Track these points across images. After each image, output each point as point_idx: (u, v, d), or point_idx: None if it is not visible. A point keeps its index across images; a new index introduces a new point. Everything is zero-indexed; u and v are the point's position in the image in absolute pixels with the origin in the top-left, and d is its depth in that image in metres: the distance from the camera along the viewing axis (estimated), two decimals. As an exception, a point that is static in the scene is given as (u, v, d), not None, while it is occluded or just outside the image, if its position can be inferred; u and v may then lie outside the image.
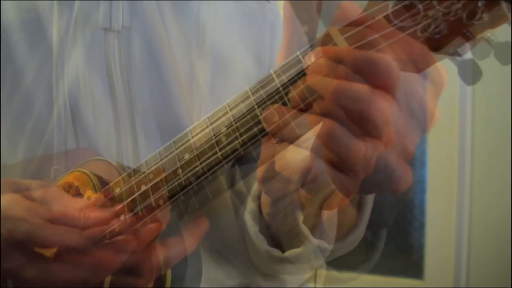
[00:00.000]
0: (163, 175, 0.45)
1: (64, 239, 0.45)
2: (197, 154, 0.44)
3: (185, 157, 0.44)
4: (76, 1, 0.60)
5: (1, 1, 0.61)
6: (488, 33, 0.35)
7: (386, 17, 0.36)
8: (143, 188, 0.46)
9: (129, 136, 0.60)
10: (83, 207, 0.47)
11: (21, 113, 0.60)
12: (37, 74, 0.60)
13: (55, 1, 0.60)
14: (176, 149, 0.45)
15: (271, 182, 0.46)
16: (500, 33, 0.36)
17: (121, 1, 0.60)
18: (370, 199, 0.52)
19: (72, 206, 0.48)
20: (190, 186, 0.44)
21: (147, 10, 0.61)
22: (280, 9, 0.68)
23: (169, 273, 0.50)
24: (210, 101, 0.61)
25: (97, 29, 0.60)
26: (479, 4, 0.34)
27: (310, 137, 0.40)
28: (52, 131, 0.59)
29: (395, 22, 0.35)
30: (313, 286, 0.67)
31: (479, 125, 1.76)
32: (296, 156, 0.42)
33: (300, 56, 0.40)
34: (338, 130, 0.36)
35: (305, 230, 0.51)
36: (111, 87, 0.60)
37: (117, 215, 0.47)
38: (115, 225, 0.47)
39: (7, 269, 0.45)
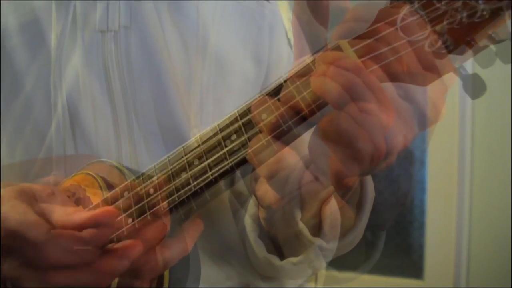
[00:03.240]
0: (173, 182, 0.45)
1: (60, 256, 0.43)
2: (208, 163, 0.44)
3: (195, 163, 0.44)
4: (73, 1, 0.60)
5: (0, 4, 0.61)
6: (489, 31, 0.36)
7: (395, 32, 0.36)
8: (152, 193, 0.46)
9: (128, 138, 0.60)
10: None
11: (21, 117, 0.60)
12: (36, 77, 0.60)
13: (53, 1, 0.60)
14: (185, 155, 0.45)
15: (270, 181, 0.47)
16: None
17: (118, 1, 0.60)
18: (369, 199, 0.52)
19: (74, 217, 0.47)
20: (200, 193, 0.44)
21: (144, 11, 0.61)
22: (279, 10, 0.68)
23: (166, 274, 0.49)
24: (208, 102, 0.61)
25: (95, 31, 0.60)
26: (480, 2, 0.34)
27: (306, 138, 0.41)
28: (51, 135, 0.59)
29: (403, 36, 0.36)
30: (313, 286, 0.67)
31: (479, 125, 1.75)
32: (293, 157, 0.43)
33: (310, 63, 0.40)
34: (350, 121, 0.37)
35: (303, 228, 0.51)
36: (110, 89, 0.60)
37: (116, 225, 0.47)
38: (123, 229, 0.47)
39: (7, 275, 0.45)
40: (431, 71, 0.36)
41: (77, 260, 0.43)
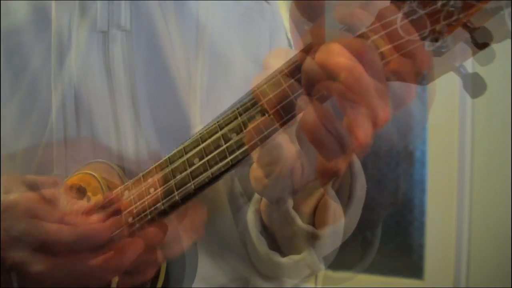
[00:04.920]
0: (173, 180, 0.45)
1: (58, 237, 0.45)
2: (207, 160, 0.44)
3: (195, 162, 0.44)
4: (74, 0, 0.60)
5: None
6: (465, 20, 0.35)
7: (395, 31, 0.36)
8: (152, 192, 0.46)
9: (130, 136, 0.60)
10: (85, 209, 0.48)
11: (27, 102, 0.60)
12: (43, 62, 0.60)
13: (53, 0, 0.60)
14: (185, 153, 0.45)
15: (265, 178, 0.47)
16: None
17: (120, 1, 0.60)
18: (359, 191, 0.51)
19: (75, 209, 0.48)
20: (199, 191, 0.44)
21: (144, 11, 0.61)
22: (279, 10, 0.68)
23: (163, 270, 0.50)
24: (208, 102, 0.61)
25: (95, 30, 0.60)
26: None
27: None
28: (51, 126, 0.59)
29: (403, 35, 0.36)
30: (313, 286, 0.67)
31: (479, 125, 1.76)
32: (287, 150, 0.43)
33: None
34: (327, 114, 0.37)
35: (294, 214, 0.52)
36: (111, 88, 0.60)
37: (117, 223, 0.47)
38: (123, 227, 0.47)
39: (12, 263, 0.45)
40: (431, 70, 0.36)
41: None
